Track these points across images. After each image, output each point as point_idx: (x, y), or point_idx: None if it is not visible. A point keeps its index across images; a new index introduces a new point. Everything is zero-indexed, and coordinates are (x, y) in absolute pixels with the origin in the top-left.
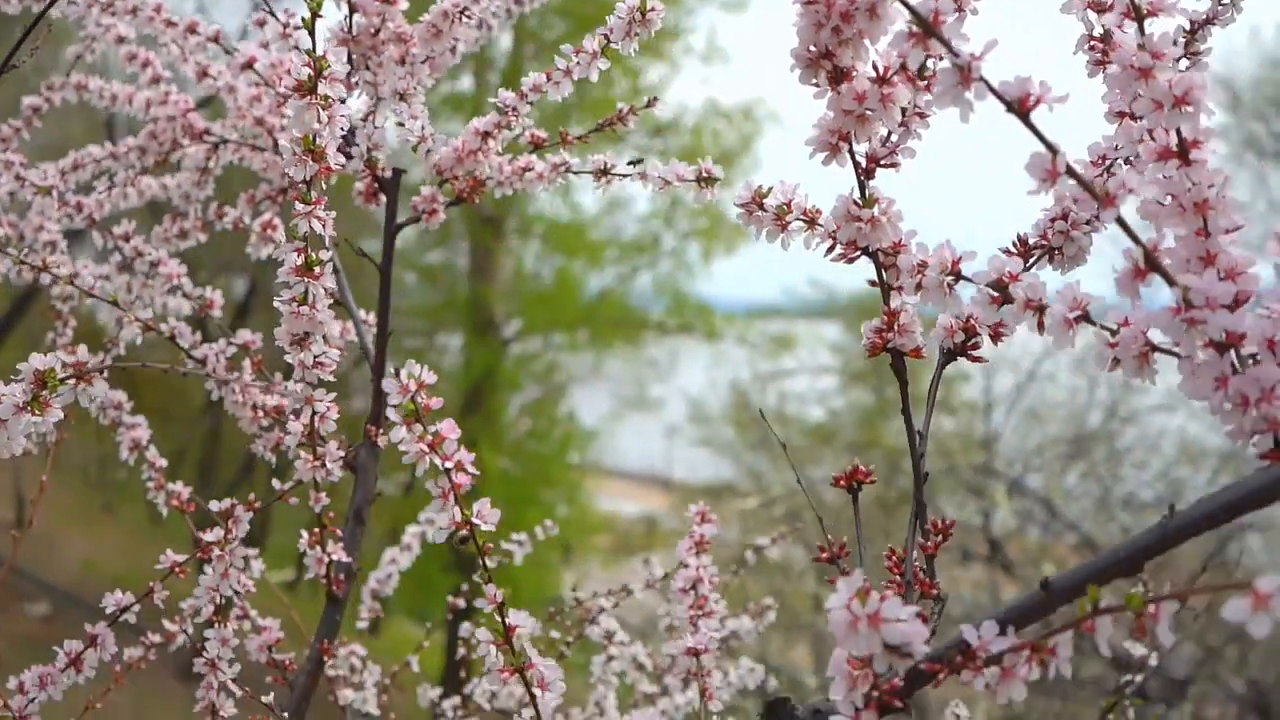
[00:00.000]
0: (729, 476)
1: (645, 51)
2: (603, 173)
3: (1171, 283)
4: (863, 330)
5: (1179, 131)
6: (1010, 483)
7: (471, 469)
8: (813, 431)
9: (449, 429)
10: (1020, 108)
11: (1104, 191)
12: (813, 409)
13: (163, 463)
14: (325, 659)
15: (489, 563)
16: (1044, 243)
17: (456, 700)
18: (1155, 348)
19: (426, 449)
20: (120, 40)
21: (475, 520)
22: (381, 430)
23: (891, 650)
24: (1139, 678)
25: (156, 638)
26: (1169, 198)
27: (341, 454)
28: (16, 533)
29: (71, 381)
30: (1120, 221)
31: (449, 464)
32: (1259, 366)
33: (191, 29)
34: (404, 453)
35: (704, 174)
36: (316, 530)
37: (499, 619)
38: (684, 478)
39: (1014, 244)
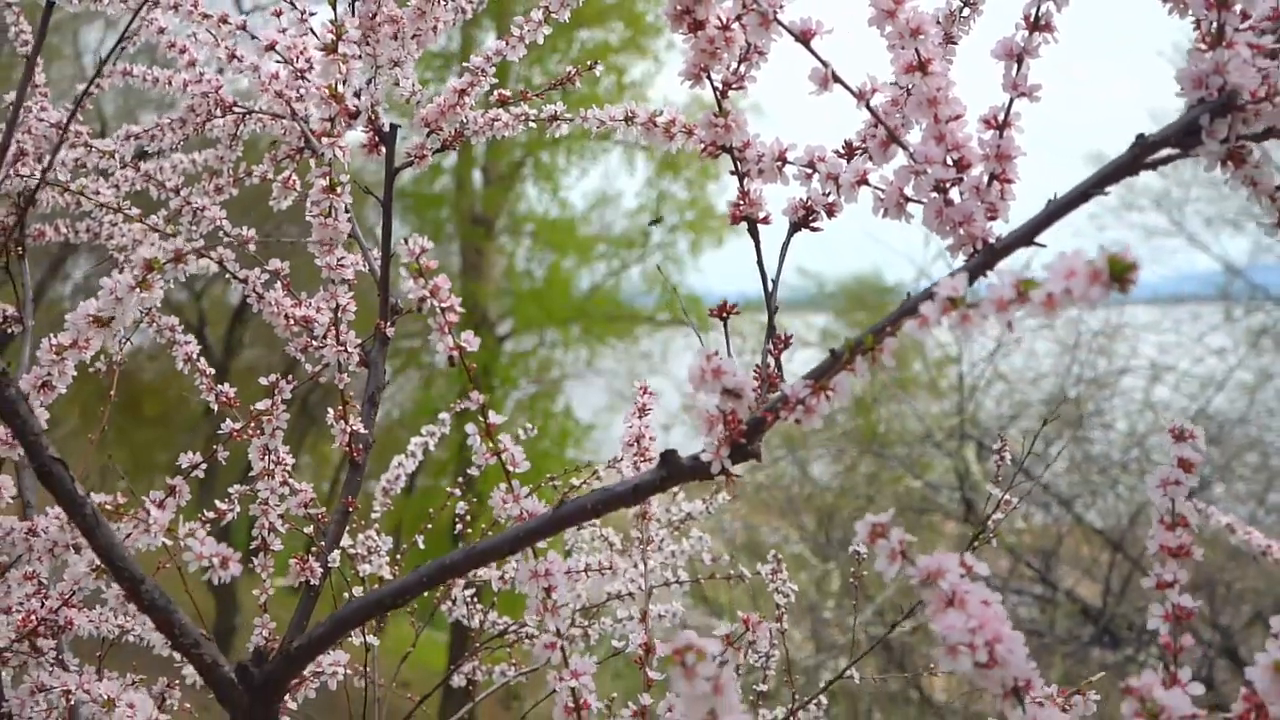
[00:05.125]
0: None
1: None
2: (554, 119)
3: (905, 148)
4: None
5: (918, 52)
6: (979, 445)
7: (459, 308)
8: None
9: (444, 281)
10: (804, 38)
11: (859, 90)
12: None
13: (212, 371)
14: (350, 510)
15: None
16: (863, 145)
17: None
18: (908, 198)
19: (428, 294)
20: (161, 31)
21: (463, 344)
22: (388, 324)
23: (728, 393)
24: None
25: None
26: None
27: (359, 342)
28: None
29: (171, 265)
30: (870, 109)
31: (444, 305)
32: (963, 201)
33: (223, 20)
34: (411, 298)
35: (629, 114)
36: (340, 407)
37: (482, 418)
38: None
39: (843, 146)
